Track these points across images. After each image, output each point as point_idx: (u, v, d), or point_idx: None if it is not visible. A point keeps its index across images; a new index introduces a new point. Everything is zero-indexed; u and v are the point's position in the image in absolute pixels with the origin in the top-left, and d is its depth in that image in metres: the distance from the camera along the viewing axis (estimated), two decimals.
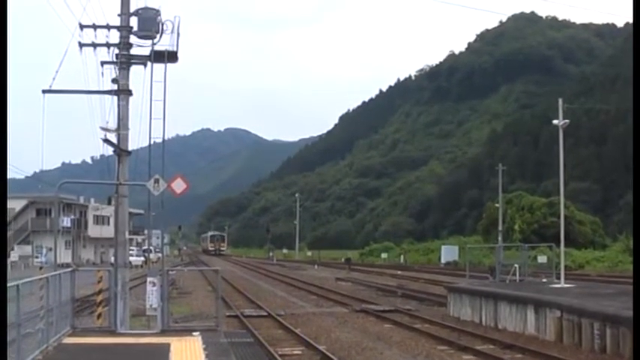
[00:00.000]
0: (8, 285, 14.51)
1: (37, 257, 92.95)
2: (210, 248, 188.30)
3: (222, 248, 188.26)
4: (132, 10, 23.73)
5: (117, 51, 23.67)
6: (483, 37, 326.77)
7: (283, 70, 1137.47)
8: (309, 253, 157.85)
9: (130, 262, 31.42)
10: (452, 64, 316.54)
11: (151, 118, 22.79)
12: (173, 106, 24.20)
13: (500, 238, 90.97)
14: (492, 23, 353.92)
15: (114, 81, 23.66)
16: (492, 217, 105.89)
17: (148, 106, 22.86)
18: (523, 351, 23.90)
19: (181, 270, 71.48)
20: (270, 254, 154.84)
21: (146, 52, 23.79)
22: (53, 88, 23.06)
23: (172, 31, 23.59)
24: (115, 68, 23.74)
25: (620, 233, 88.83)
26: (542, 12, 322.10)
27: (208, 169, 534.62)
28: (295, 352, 24.46)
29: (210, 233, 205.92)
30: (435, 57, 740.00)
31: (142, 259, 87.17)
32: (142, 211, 77.30)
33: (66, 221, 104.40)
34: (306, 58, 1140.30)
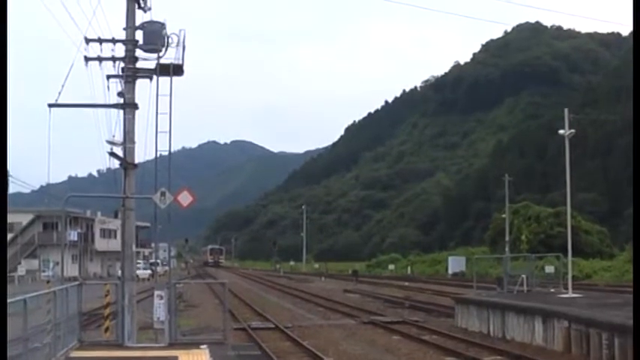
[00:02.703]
0: (16, 299, 14.52)
1: (44, 271, 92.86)
2: (210, 260, 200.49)
3: (220, 260, 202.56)
4: (137, 23, 23.78)
5: (122, 64, 23.72)
6: (488, 47, 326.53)
7: (288, 82, 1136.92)
8: (316, 265, 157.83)
9: (137, 276, 31.44)
10: (457, 75, 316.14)
11: (157, 132, 22.86)
12: (179, 119, 24.27)
13: (507, 249, 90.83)
14: (497, 33, 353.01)
15: (120, 94, 23.70)
16: (499, 228, 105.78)
17: (154, 119, 22.94)
18: None
19: (188, 283, 71.51)
20: (277, 266, 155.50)
21: (152, 65, 23.85)
22: (59, 102, 23.10)
23: (178, 45, 23.65)
24: (120, 82, 23.79)
25: (627, 243, 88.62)
26: (547, 22, 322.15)
27: (215, 182, 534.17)
28: None
29: (209, 247, 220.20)
30: (440, 67, 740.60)
31: (149, 272, 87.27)
32: (148, 224, 77.40)
33: (73, 235, 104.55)
34: (311, 70, 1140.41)
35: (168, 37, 23.59)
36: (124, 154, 23.59)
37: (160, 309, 22.57)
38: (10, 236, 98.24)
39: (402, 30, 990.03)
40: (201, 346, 21.59)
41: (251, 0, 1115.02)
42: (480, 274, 55.08)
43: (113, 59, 23.75)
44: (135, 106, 23.82)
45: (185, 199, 23.45)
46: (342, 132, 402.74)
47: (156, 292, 23.09)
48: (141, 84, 24.06)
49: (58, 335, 18.79)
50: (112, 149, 23.38)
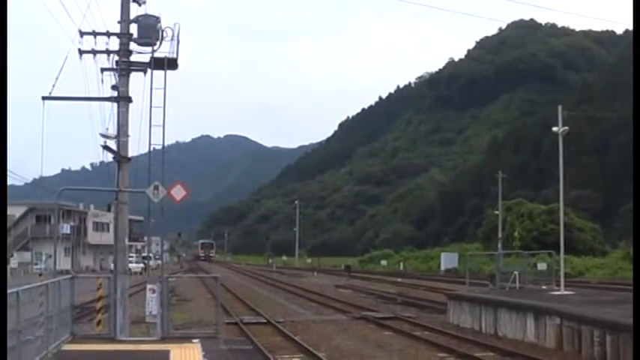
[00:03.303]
0: (8, 292, 14.50)
1: (36, 264, 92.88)
2: (201, 254, 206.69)
3: (210, 254, 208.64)
4: (132, 17, 23.73)
5: (117, 58, 23.67)
6: (483, 44, 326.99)
7: (283, 77, 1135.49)
8: (309, 261, 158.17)
9: (130, 269, 31.44)
10: (452, 71, 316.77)
11: (150, 125, 22.83)
12: (173, 113, 24.22)
13: (500, 246, 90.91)
14: (491, 30, 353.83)
15: (114, 88, 23.66)
16: (492, 225, 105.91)
17: (147, 112, 22.90)
18: (523, 358, 23.89)
19: (181, 277, 71.46)
20: (270, 261, 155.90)
21: (146, 59, 23.79)
22: (53, 94, 23.06)
23: (172, 39, 23.61)
24: (114, 75, 23.74)
25: (621, 240, 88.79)
26: (542, 19, 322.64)
27: (208, 176, 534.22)
28: None
29: (200, 241, 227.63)
30: (434, 64, 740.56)
31: (142, 265, 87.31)
32: (141, 218, 77.32)
33: (65, 228, 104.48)
34: (305, 66, 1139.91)
35: (162, 31, 23.56)
36: (118, 147, 23.55)
37: (152, 303, 22.56)
38: None
39: (396, 26, 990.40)
40: (194, 340, 21.59)
41: None
42: (473, 270, 55.13)
43: (107, 52, 23.70)
44: (129, 100, 23.78)
45: (178, 192, 23.42)
46: (335, 127, 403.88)
47: (148, 286, 23.08)
48: (135, 77, 24.03)
49: (51, 328, 18.76)
50: (105, 142, 23.35)
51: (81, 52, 23.41)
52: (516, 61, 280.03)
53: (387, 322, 35.24)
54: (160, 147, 23.11)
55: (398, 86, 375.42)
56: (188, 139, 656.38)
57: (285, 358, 24.42)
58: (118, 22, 23.80)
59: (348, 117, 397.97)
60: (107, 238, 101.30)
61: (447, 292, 42.89)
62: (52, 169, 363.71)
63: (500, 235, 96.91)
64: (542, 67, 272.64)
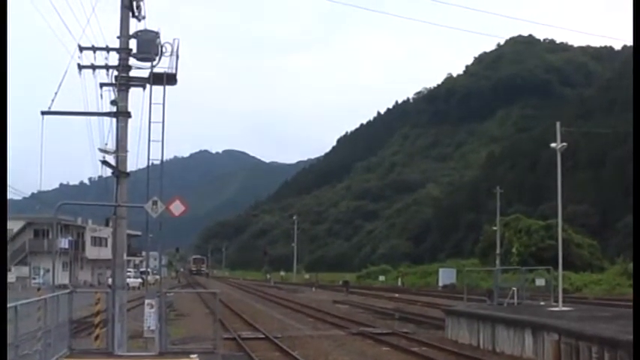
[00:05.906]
0: (7, 306, 14.50)
1: (34, 278, 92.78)
2: (194, 269, 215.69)
3: (202, 269, 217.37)
4: (131, 32, 23.77)
5: (116, 73, 23.68)
6: (481, 60, 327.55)
7: (281, 93, 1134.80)
8: (307, 276, 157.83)
9: (128, 284, 31.41)
10: (450, 86, 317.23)
11: (149, 140, 22.81)
12: (171, 128, 24.21)
13: (497, 261, 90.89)
14: (490, 46, 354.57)
15: (113, 103, 23.65)
16: (490, 240, 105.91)
17: (146, 127, 22.89)
18: None
19: (179, 292, 71.33)
20: (267, 276, 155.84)
21: (145, 74, 23.78)
22: (52, 109, 23.06)
23: (171, 54, 23.63)
24: (113, 90, 23.74)
25: (618, 256, 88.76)
26: (540, 35, 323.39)
27: (206, 191, 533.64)
28: None
29: (193, 256, 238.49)
30: (432, 80, 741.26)
31: (140, 280, 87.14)
32: (139, 233, 77.19)
33: (64, 242, 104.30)
34: (304, 81, 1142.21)
35: (162, 46, 23.58)
36: (117, 162, 23.54)
37: (150, 318, 22.53)
38: None
39: (395, 42, 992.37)
40: (192, 355, 21.56)
41: (246, 10, 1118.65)
42: (471, 286, 55.20)
43: (107, 67, 23.70)
44: (128, 115, 23.77)
45: (177, 208, 23.41)
46: (334, 143, 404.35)
47: (146, 301, 23.05)
48: (134, 92, 24.05)
49: (49, 343, 18.76)
50: (104, 157, 23.34)
51: (80, 67, 23.43)
52: (513, 77, 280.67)
53: (385, 337, 35.18)
54: (158, 162, 23.12)
55: (396, 102, 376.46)
56: (187, 154, 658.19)
57: None
58: (118, 38, 23.82)
59: (346, 132, 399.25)
60: (105, 252, 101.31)
61: (445, 307, 42.83)
62: (50, 184, 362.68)
63: (498, 250, 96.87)
64: (540, 82, 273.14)
